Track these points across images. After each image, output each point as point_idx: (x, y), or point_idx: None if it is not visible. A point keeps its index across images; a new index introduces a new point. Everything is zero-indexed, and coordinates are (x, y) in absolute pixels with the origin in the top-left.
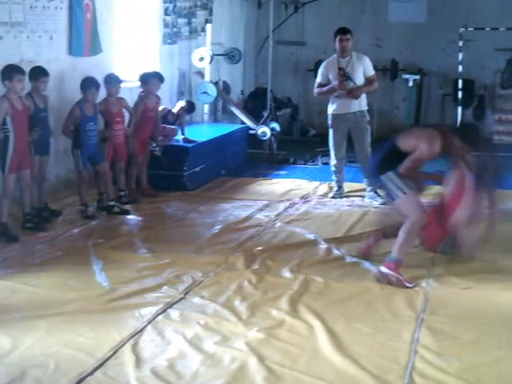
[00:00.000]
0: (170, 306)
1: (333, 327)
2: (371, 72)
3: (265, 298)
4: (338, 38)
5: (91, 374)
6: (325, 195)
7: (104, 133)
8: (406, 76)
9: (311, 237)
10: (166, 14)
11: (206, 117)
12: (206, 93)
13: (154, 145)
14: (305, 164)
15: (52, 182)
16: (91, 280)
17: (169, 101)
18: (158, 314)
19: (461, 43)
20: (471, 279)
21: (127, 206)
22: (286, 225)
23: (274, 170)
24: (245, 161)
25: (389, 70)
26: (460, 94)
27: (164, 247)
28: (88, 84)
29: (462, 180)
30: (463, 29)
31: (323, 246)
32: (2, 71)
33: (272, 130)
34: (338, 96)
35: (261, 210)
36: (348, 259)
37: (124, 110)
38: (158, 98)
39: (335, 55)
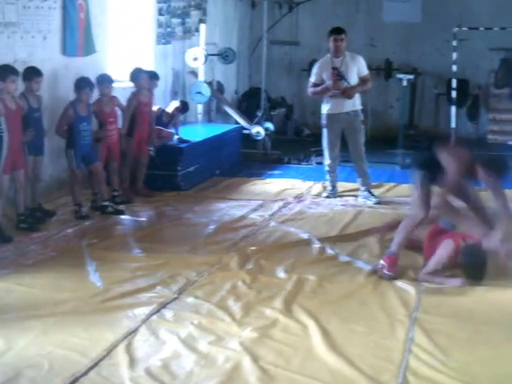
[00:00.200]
0: (164, 306)
1: (327, 327)
2: (365, 72)
3: (259, 297)
4: (332, 38)
5: (85, 374)
6: (319, 195)
7: (98, 133)
8: (400, 76)
9: (305, 236)
10: (159, 14)
11: (200, 117)
12: (200, 93)
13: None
14: (299, 164)
15: (46, 183)
16: (85, 280)
17: (163, 100)
18: (152, 314)
19: (455, 43)
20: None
21: (121, 206)
22: (280, 224)
23: (268, 170)
24: (239, 161)
25: (383, 70)
26: (454, 93)
27: (158, 247)
28: (82, 84)
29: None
30: (457, 28)
31: (317, 245)
32: None
33: (266, 129)
34: (332, 96)
35: (255, 209)
36: (342, 259)
37: (117, 110)
38: (151, 92)
39: (329, 55)
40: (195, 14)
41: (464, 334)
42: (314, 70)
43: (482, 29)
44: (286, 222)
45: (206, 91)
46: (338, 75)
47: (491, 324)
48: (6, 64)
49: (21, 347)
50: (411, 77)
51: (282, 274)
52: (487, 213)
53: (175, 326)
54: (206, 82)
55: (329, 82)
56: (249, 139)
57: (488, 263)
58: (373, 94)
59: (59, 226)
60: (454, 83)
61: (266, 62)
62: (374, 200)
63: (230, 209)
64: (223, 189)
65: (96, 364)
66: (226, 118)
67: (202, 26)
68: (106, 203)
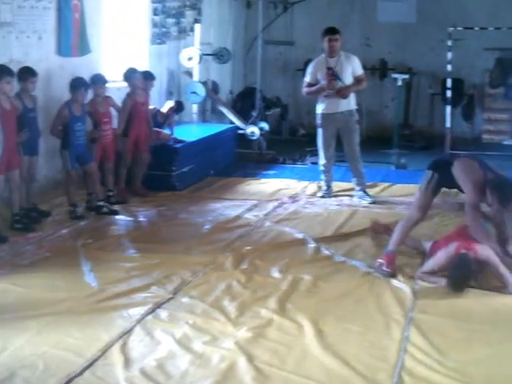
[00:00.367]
0: (159, 306)
1: (322, 326)
2: (360, 71)
3: (254, 297)
4: (326, 39)
5: (80, 374)
6: (313, 195)
7: (92, 133)
8: (395, 75)
9: (300, 236)
10: (154, 13)
11: (194, 117)
12: (194, 92)
13: None
14: (294, 164)
15: (41, 183)
16: (80, 280)
17: (157, 100)
18: (147, 314)
19: (450, 43)
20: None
21: (116, 207)
22: (275, 224)
23: (262, 170)
24: (234, 161)
25: (378, 70)
26: (449, 93)
27: (153, 247)
28: (77, 84)
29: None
30: (452, 28)
31: (312, 245)
32: None
33: (261, 129)
34: (326, 95)
35: (250, 209)
36: (337, 258)
37: (112, 110)
38: (147, 92)
39: (323, 55)
40: (190, 14)
41: (460, 334)
42: (309, 69)
43: (476, 28)
44: (281, 222)
45: (201, 91)
46: (333, 75)
47: (487, 324)
48: (1, 64)
49: (16, 347)
50: (406, 76)
51: (276, 274)
52: (506, 230)
53: (170, 326)
54: (200, 81)
55: (323, 82)
56: (244, 139)
57: (472, 276)
58: (368, 93)
59: (54, 226)
60: (449, 83)
61: (260, 61)
62: (368, 200)
63: (224, 209)
64: (218, 189)
65: (91, 364)
66: (221, 117)
67: (197, 26)
68: (101, 203)
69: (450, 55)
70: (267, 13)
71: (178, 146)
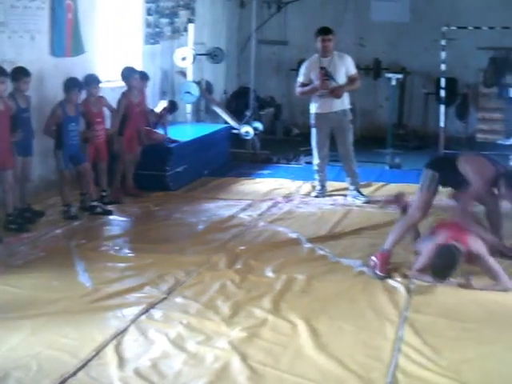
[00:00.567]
0: (153, 306)
1: (316, 326)
2: (353, 71)
3: (248, 297)
4: (319, 38)
5: (74, 374)
6: (308, 194)
7: (85, 133)
8: (389, 75)
9: (294, 236)
10: (148, 13)
11: (188, 116)
12: (188, 92)
13: None
14: (288, 163)
15: (35, 183)
16: (74, 281)
17: (151, 100)
18: (141, 314)
19: (443, 42)
20: (454, 277)
21: (110, 207)
22: (269, 224)
23: (257, 170)
24: (228, 160)
25: (372, 69)
26: (443, 92)
27: (147, 247)
28: (71, 84)
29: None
30: (446, 28)
31: (306, 245)
32: None
33: (255, 129)
34: (320, 95)
35: (244, 209)
36: (331, 258)
37: (105, 110)
38: (143, 93)
39: (317, 54)
40: (184, 14)
41: (453, 333)
42: (302, 69)
43: (470, 28)
44: (275, 222)
45: (195, 91)
46: (326, 75)
47: (480, 323)
48: None
49: (9, 348)
50: (400, 76)
51: (270, 274)
52: (500, 222)
53: (164, 326)
54: (194, 81)
55: (317, 82)
56: (238, 139)
57: (456, 266)
58: (362, 93)
59: (48, 226)
60: (443, 82)
61: (254, 61)
62: (362, 199)
63: (218, 209)
64: (212, 189)
65: (85, 364)
66: (215, 117)
67: (191, 26)
68: (95, 203)
69: (443, 55)
70: (261, 12)
71: (172, 145)
